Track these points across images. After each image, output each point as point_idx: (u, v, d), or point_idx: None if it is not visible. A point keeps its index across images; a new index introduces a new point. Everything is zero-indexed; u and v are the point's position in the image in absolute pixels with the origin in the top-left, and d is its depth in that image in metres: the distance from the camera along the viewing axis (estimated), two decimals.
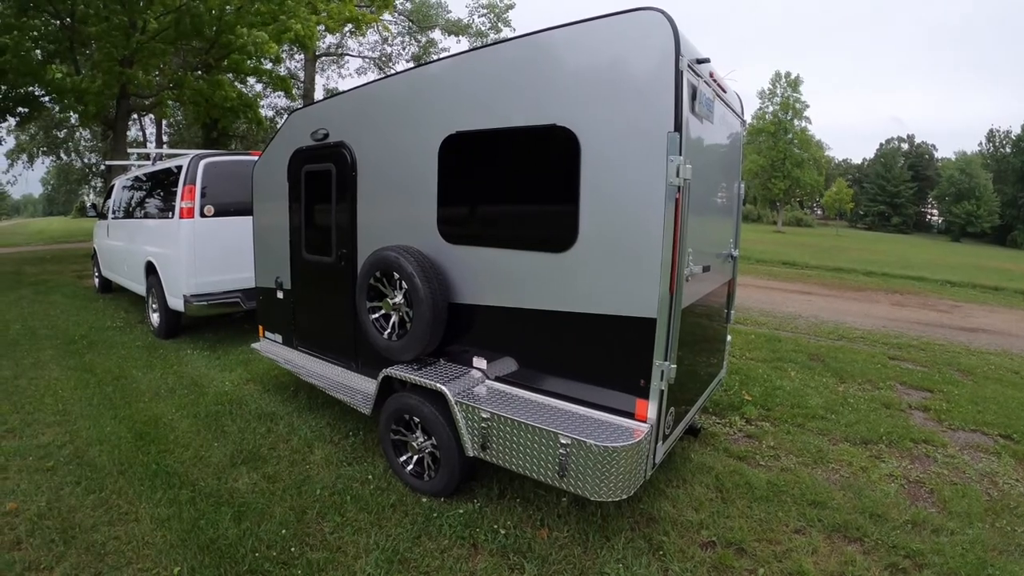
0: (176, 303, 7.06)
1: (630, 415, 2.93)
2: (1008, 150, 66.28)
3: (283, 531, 3.26)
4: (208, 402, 5.23)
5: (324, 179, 4.38)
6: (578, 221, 2.95)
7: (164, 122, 30.73)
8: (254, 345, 5.52)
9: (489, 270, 3.39)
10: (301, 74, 28.86)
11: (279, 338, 5.20)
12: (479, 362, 3.54)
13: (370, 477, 3.80)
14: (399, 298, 3.63)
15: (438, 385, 3.31)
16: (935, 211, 75.96)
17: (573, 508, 3.51)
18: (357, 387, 4.22)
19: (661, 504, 3.63)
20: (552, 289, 3.11)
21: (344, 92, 4.58)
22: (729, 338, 4.96)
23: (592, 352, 3.02)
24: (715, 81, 3.41)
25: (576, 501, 3.57)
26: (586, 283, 2.98)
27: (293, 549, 3.12)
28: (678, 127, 2.69)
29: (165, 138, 31.74)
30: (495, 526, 3.29)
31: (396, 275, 3.56)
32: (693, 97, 2.91)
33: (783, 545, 3.34)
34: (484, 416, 3.07)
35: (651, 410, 2.87)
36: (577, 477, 2.79)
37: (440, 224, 3.58)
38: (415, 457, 3.66)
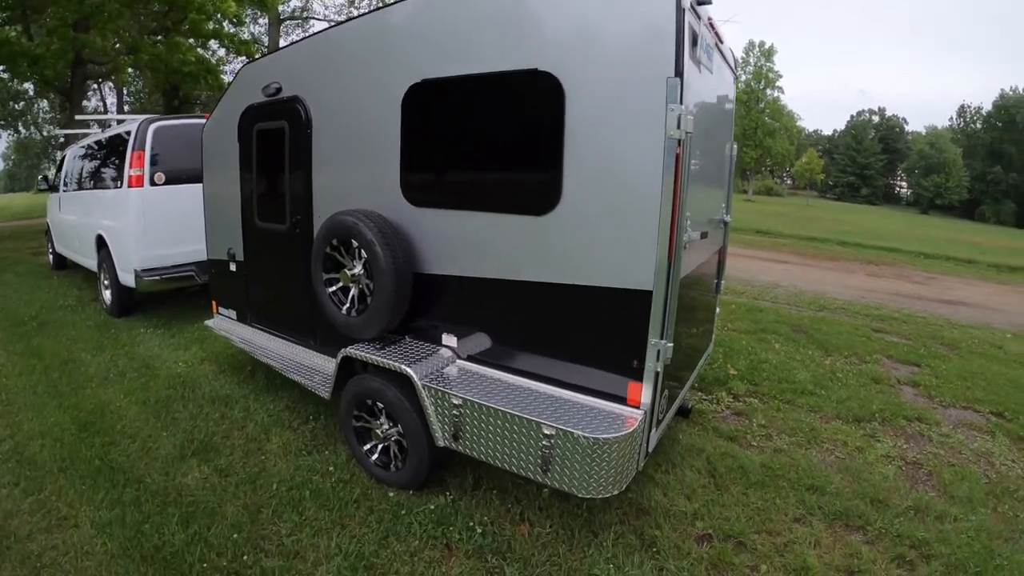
0: (127, 279, 6.55)
1: (621, 400, 2.61)
2: (978, 126, 67.16)
3: (235, 535, 2.88)
4: (159, 386, 4.78)
5: (277, 138, 3.91)
6: (561, 179, 2.57)
7: (125, 91, 29.34)
8: (207, 322, 5.07)
9: (459, 236, 2.99)
10: (265, 39, 27.54)
11: (233, 314, 4.76)
12: (449, 339, 3.17)
13: (331, 468, 3.42)
14: (358, 269, 3.22)
15: (402, 367, 2.94)
16: (904, 183, 76.98)
17: (555, 500, 3.19)
18: (315, 367, 3.82)
19: (651, 492, 3.34)
20: (531, 257, 2.74)
21: (298, 41, 4.09)
22: (717, 309, 4.69)
23: (578, 329, 2.67)
24: (713, 28, 3.02)
25: (559, 492, 3.25)
26: (570, 250, 2.61)
27: (246, 557, 2.75)
28: (679, 73, 2.31)
29: (126, 107, 30.32)
30: (470, 523, 2.96)
31: (354, 243, 3.15)
32: (694, 42, 2.53)
33: (784, 536, 3.09)
34: (455, 402, 2.71)
35: (645, 394, 2.55)
36: (563, 472, 2.46)
37: (404, 185, 3.16)
38: (380, 446, 3.30)
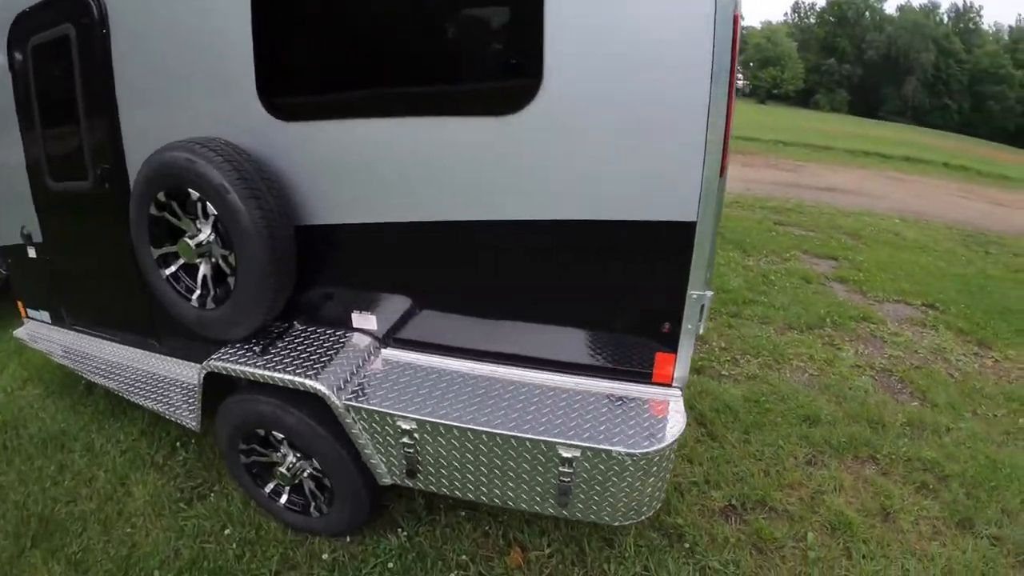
0: None
1: (645, 377, 1.86)
2: (812, 21, 72.12)
3: None
4: None
5: (61, 52, 2.48)
6: (541, 56, 1.61)
7: None
8: (16, 333, 3.57)
9: (370, 160, 1.93)
10: None
11: (46, 316, 3.35)
12: (363, 319, 2.18)
13: (227, 529, 2.34)
14: (206, 233, 2.06)
15: (305, 380, 1.92)
16: (740, 75, 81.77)
17: None
18: (170, 379, 2.65)
19: None
20: (494, 183, 1.79)
21: None
22: None
23: (577, 284, 1.83)
24: None
25: None
26: (559, 168, 1.70)
27: None
28: None
29: None
30: (448, 572, 2.15)
31: (194, 193, 1.97)
32: None
33: (806, 487, 2.68)
34: (405, 427, 1.80)
35: (680, 366, 1.82)
36: (589, 501, 1.70)
37: (263, 88, 1.98)
38: (289, 486, 2.31)
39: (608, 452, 1.58)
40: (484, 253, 1.90)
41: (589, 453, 1.60)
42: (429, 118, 1.79)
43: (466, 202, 1.83)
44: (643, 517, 1.77)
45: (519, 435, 1.64)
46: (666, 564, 2.15)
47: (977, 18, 63.89)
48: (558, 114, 1.63)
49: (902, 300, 5.06)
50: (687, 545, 2.25)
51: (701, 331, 1.78)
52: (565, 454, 1.61)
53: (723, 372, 3.70)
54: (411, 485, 1.94)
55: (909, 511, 2.57)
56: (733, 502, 2.52)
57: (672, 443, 1.63)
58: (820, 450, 2.94)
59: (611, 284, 1.79)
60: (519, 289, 1.91)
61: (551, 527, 2.32)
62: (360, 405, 1.84)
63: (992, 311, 4.92)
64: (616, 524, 1.78)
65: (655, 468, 1.64)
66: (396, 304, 2.11)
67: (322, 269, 2.15)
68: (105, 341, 2.99)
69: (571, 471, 1.63)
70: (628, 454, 1.57)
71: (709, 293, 1.73)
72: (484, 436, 1.69)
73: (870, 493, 2.68)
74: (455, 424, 1.71)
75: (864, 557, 2.31)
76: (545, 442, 1.63)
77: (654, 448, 1.59)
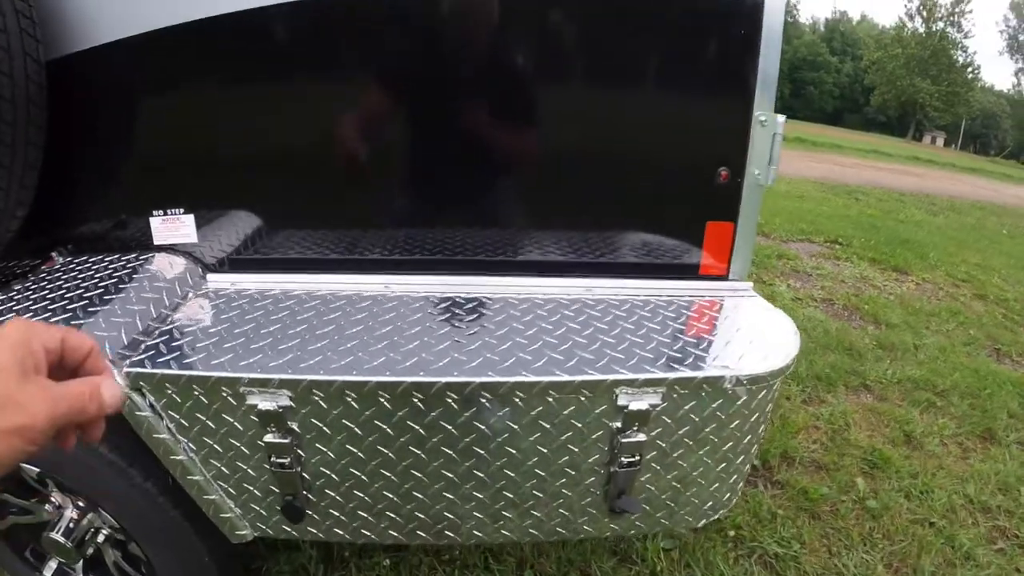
0: None
1: (690, 271, 1.14)
2: None
3: None
4: None
5: None
6: None
7: None
8: None
9: None
10: None
11: None
12: (171, 227, 1.11)
13: None
14: None
15: None
16: None
17: None
18: None
19: None
20: None
21: None
22: None
23: (567, 115, 1.07)
24: None
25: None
26: None
27: None
28: None
29: None
30: None
31: None
32: None
33: (820, 429, 2.25)
34: (268, 407, 0.84)
35: (740, 250, 1.13)
36: (666, 493, 0.94)
37: None
38: (79, 560, 1.23)
39: (714, 382, 0.82)
40: (409, 58, 1.04)
41: (679, 392, 0.82)
42: None
43: None
44: (732, 505, 1.05)
45: (527, 380, 0.82)
46: (716, 565, 1.45)
47: (795, 12, 69.41)
48: None
49: (806, 239, 4.98)
50: (731, 533, 1.58)
51: (770, 182, 1.11)
52: (634, 404, 0.82)
53: None
54: (296, 536, 1.02)
55: (931, 433, 2.23)
56: (754, 462, 1.92)
57: (797, 352, 0.93)
58: (810, 385, 2.51)
59: (628, 109, 1.06)
60: (467, 129, 1.10)
61: (526, 549, 1.52)
62: (159, 371, 0.85)
63: (891, 243, 5.04)
64: (695, 527, 1.03)
65: (771, 404, 0.93)
66: (239, 187, 1.11)
67: (100, 139, 1.09)
68: None
69: (639, 441, 0.84)
70: (751, 378, 0.83)
71: (781, 118, 1.06)
72: (451, 392, 0.84)
73: (884, 422, 2.28)
74: (391, 380, 0.83)
75: (922, 494, 1.85)
76: (596, 383, 0.82)
77: (784, 362, 0.87)
